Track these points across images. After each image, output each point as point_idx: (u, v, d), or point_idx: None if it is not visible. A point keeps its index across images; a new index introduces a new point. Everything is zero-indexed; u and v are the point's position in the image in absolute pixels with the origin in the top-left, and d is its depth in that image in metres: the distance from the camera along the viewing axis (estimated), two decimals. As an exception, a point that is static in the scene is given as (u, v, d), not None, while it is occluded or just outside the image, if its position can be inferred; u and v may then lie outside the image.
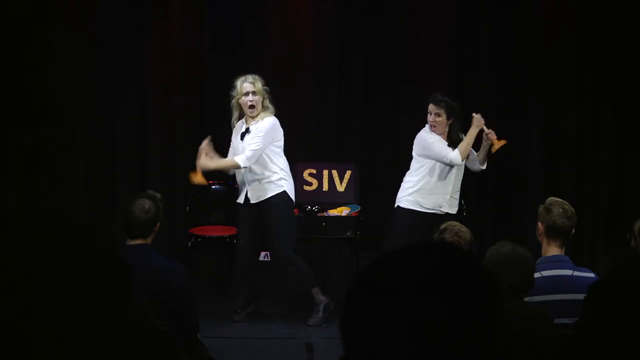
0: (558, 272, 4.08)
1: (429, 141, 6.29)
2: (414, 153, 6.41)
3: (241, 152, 6.22)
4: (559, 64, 7.51)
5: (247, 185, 6.31)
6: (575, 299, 3.69)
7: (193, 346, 4.12)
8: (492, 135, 6.22)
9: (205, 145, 6.22)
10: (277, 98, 6.96)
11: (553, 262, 4.14)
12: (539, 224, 4.28)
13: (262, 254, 6.81)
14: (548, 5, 7.57)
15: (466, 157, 6.28)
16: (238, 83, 6.24)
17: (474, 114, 6.25)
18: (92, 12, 7.39)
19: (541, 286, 3.88)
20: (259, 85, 6.24)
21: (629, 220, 4.86)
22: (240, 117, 6.35)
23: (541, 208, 4.33)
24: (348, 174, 7.33)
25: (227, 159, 6.31)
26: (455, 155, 6.20)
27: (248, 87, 6.20)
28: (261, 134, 6.18)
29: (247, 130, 6.26)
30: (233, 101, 6.30)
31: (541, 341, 3.32)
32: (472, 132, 6.23)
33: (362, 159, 7.58)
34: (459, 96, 7.15)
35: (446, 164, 6.26)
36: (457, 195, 6.42)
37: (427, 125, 6.35)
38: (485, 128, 6.24)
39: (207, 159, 6.20)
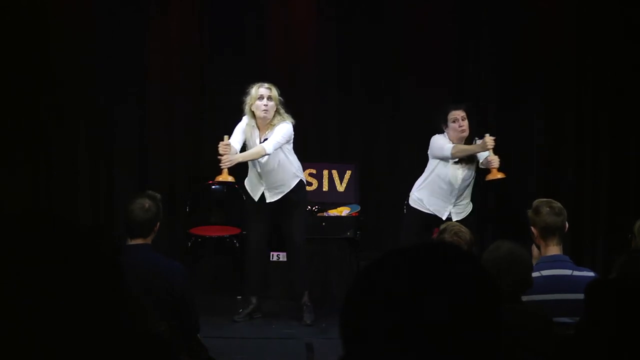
0: (558, 272, 4.07)
1: (437, 140, 6.24)
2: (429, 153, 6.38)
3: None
4: (559, 63, 7.51)
5: (264, 185, 6.24)
6: (575, 299, 3.69)
7: (193, 346, 4.12)
8: (495, 164, 6.07)
9: (227, 141, 5.98)
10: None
11: (553, 262, 4.13)
12: (532, 228, 4.26)
13: (273, 254, 6.81)
14: (548, 5, 7.57)
15: (456, 158, 6.19)
16: (253, 89, 6.12)
17: (487, 135, 6.11)
18: (92, 12, 7.39)
19: (541, 285, 3.87)
20: (275, 92, 6.13)
21: (629, 220, 4.86)
22: (255, 126, 6.14)
23: (530, 213, 4.30)
24: (348, 174, 7.32)
25: (252, 149, 6.07)
26: (450, 147, 6.13)
27: (264, 91, 6.09)
28: (283, 133, 6.06)
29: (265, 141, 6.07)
30: (246, 108, 6.14)
31: (541, 341, 3.32)
32: (476, 148, 6.19)
33: (362, 159, 7.58)
34: (459, 95, 7.15)
35: (441, 157, 6.20)
36: (465, 202, 6.39)
37: (443, 134, 6.27)
38: (492, 153, 6.10)
39: (231, 155, 5.97)
